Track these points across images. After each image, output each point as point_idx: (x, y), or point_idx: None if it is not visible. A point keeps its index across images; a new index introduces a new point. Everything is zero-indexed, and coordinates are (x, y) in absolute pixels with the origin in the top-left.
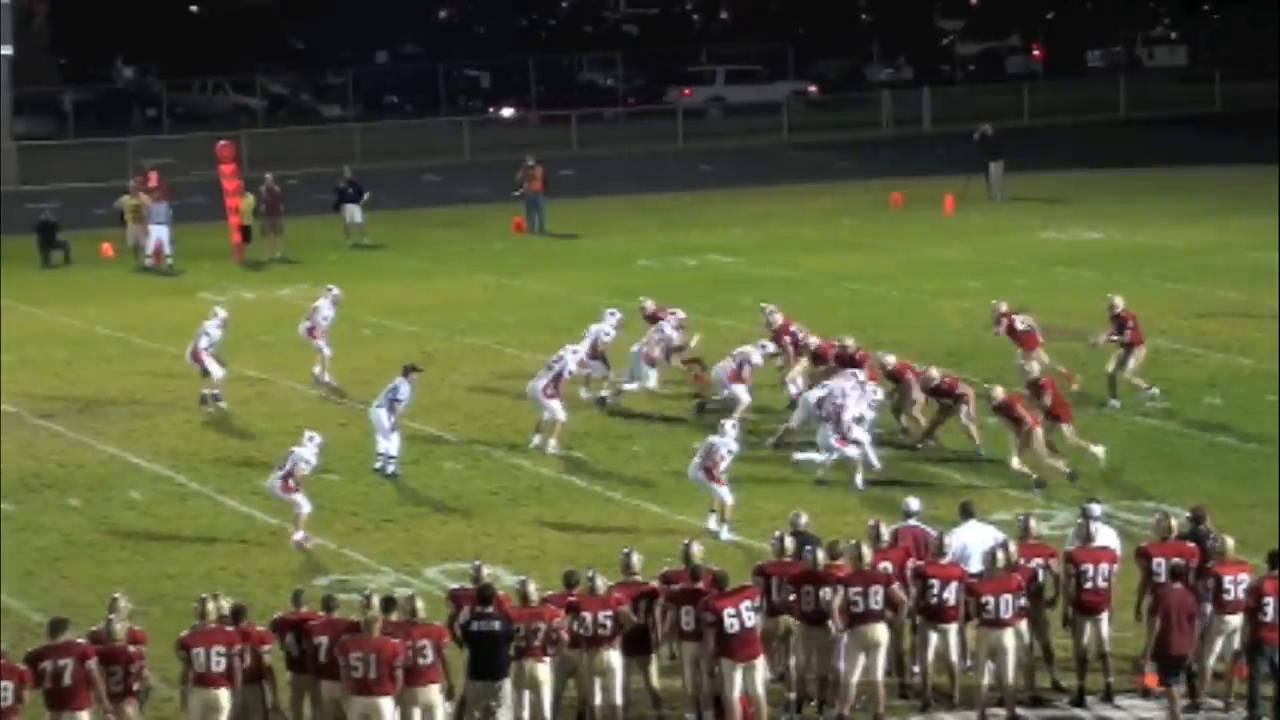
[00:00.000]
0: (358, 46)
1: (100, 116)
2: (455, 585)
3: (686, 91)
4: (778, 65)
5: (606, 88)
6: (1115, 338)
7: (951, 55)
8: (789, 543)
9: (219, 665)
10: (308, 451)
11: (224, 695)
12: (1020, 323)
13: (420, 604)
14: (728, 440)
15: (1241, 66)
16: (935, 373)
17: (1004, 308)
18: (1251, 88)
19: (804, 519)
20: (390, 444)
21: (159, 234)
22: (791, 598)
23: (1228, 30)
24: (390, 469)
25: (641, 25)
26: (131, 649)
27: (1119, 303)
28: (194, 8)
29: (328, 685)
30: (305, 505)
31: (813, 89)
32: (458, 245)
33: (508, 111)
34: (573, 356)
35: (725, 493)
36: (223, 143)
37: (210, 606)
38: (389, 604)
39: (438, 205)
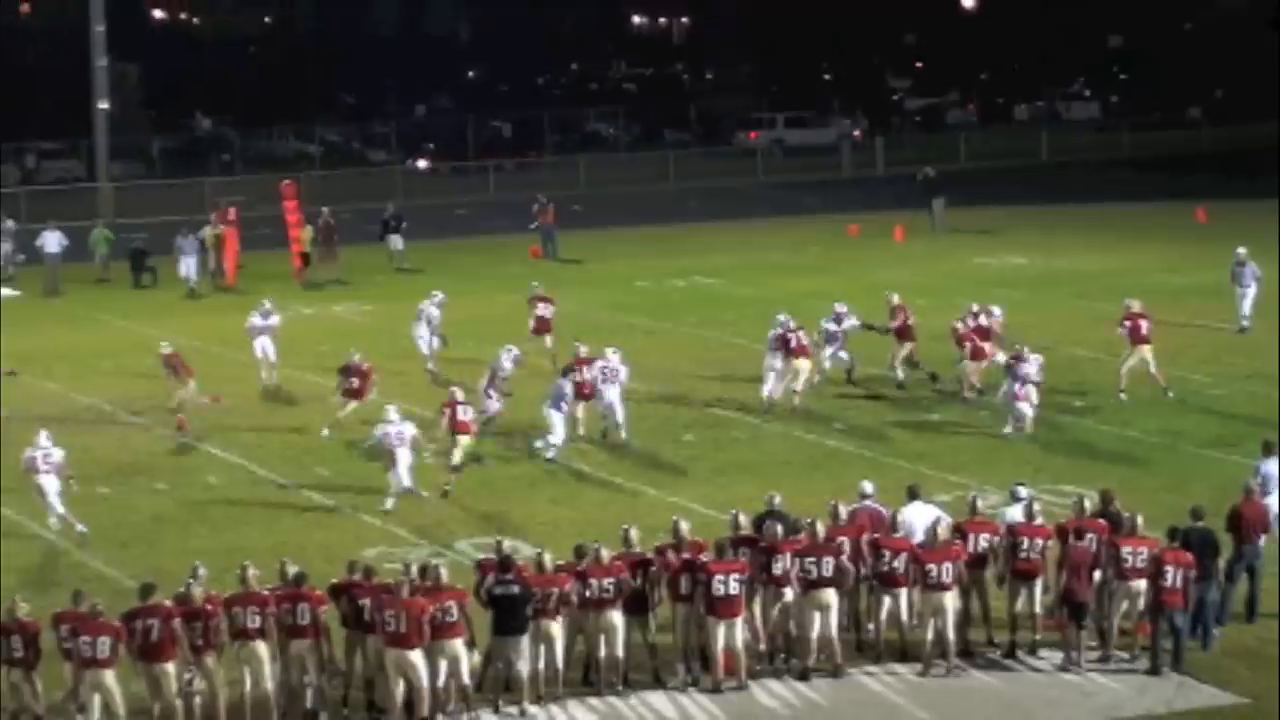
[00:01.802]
0: (400, 101)
1: (183, 160)
2: (482, 556)
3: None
4: (749, 116)
5: (610, 136)
6: (1119, 332)
7: (900, 109)
8: (743, 519)
9: (254, 622)
10: (49, 450)
11: (260, 647)
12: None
13: (444, 571)
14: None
15: (1147, 119)
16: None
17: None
18: (1155, 136)
19: (777, 499)
20: (556, 435)
21: (188, 264)
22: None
23: (1134, 88)
24: (550, 454)
25: (639, 84)
26: (210, 609)
27: (1134, 305)
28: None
29: (373, 640)
30: (59, 508)
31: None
32: (483, 269)
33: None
34: (507, 356)
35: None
36: (286, 183)
37: (250, 574)
38: (424, 571)
39: (466, 236)
